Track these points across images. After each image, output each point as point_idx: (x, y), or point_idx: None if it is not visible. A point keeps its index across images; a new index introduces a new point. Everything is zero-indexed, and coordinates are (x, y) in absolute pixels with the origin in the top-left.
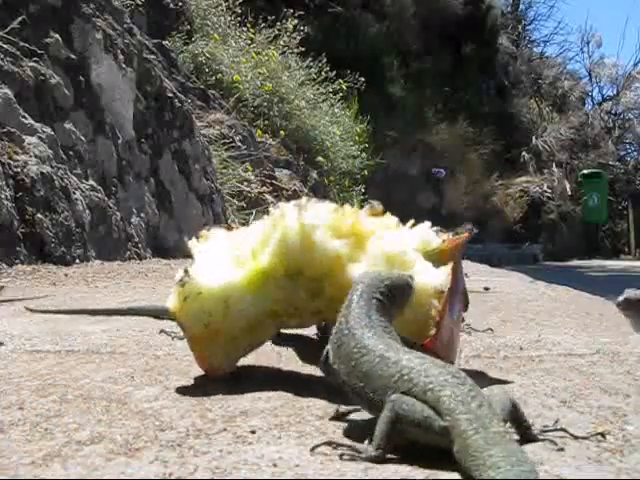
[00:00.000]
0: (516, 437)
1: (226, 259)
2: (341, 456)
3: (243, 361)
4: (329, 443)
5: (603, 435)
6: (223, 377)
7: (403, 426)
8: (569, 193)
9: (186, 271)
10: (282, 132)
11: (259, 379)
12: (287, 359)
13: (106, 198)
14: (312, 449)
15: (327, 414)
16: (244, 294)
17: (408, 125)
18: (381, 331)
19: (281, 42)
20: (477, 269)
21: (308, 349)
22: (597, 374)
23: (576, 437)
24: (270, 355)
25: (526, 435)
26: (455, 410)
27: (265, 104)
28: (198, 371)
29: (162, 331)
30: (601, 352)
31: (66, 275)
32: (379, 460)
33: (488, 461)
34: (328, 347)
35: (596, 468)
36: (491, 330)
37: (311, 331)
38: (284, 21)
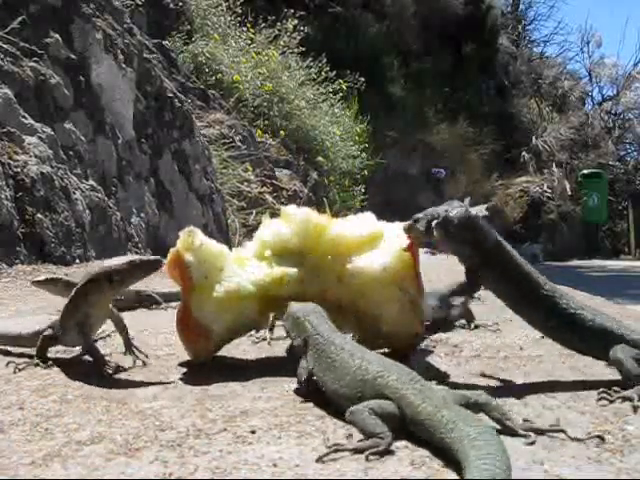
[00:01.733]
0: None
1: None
2: (365, 454)
3: (244, 360)
4: (332, 448)
5: (602, 438)
6: (223, 377)
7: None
8: (569, 193)
9: (190, 231)
10: (282, 132)
11: (259, 379)
12: (287, 360)
13: (106, 198)
14: (318, 460)
15: (328, 414)
16: (234, 265)
17: (408, 125)
18: (350, 340)
19: (281, 42)
20: None
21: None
22: (597, 374)
23: (573, 439)
24: (270, 356)
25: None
26: (402, 388)
27: (265, 104)
28: (198, 371)
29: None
30: None
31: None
32: (390, 445)
33: (442, 420)
34: (305, 367)
35: (596, 468)
36: (497, 325)
37: None
38: (284, 21)
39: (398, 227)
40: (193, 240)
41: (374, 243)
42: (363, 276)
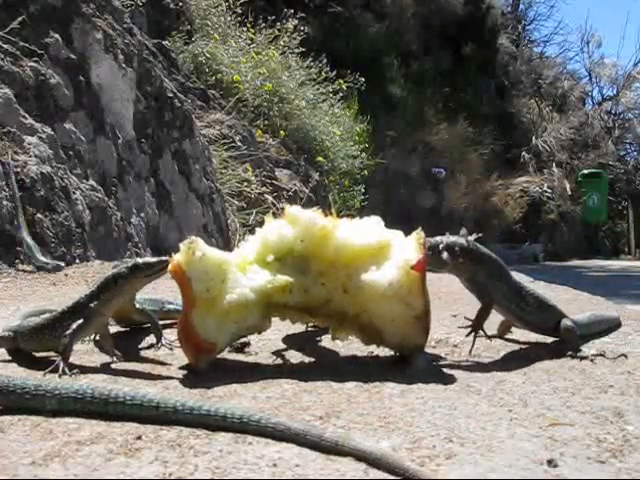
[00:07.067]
0: None
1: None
2: None
3: (243, 360)
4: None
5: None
6: (222, 377)
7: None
8: (569, 193)
9: (191, 241)
10: (282, 132)
11: (259, 379)
12: (287, 359)
13: (106, 198)
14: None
15: (327, 414)
16: (236, 272)
17: (408, 125)
18: None
19: (281, 42)
20: None
21: (308, 348)
22: (597, 374)
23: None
24: (270, 355)
25: None
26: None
27: (265, 104)
28: (198, 371)
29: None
30: (601, 352)
31: (66, 275)
32: None
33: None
34: None
35: (596, 468)
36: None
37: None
38: (284, 21)
39: (405, 237)
40: (194, 251)
41: (381, 253)
42: (368, 290)
